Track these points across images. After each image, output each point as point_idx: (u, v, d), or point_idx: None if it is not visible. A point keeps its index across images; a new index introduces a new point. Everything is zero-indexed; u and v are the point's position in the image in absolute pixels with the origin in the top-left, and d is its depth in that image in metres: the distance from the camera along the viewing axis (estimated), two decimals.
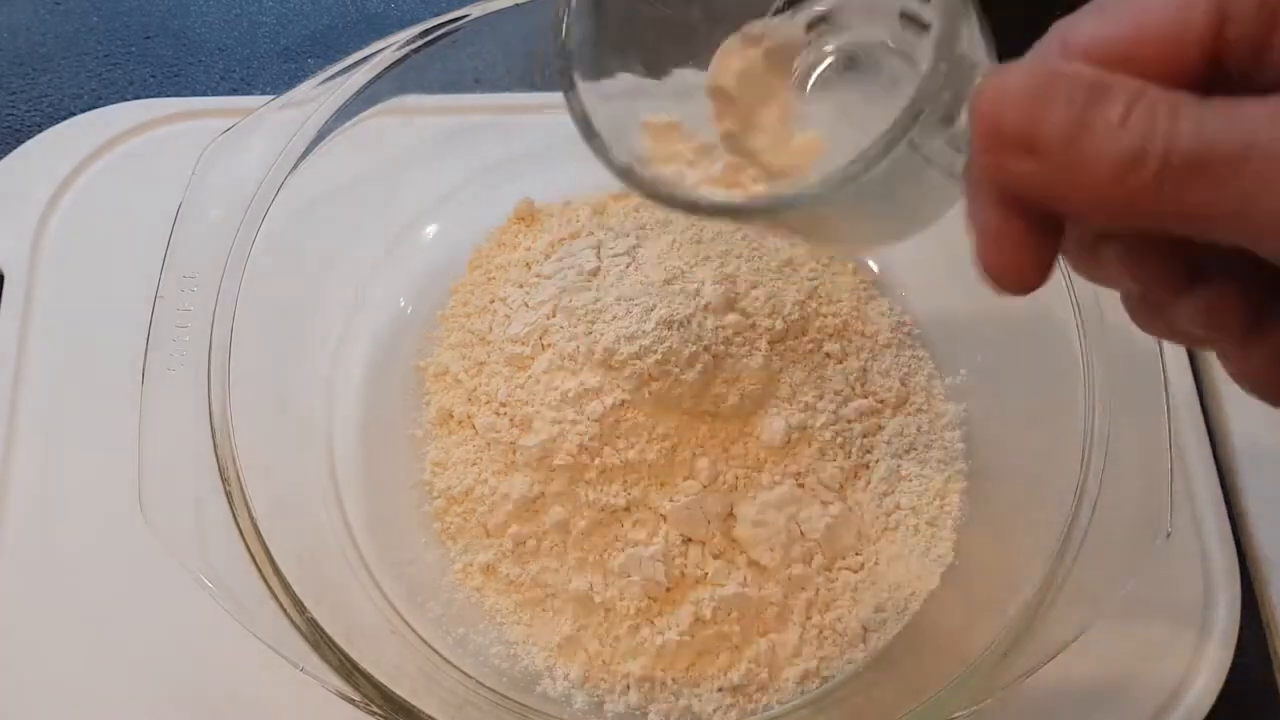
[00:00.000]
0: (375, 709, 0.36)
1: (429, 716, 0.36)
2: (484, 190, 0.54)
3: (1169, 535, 0.38)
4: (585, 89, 0.29)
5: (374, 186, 0.52)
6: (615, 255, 0.48)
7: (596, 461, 0.44)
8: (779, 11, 0.31)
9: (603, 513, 0.44)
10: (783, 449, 0.46)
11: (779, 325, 0.47)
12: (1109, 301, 0.43)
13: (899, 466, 0.47)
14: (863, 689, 0.43)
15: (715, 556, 0.44)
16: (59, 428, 0.50)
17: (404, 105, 0.49)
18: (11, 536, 0.47)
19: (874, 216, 0.30)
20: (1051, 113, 0.21)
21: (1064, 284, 0.43)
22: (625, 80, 0.31)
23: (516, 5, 0.48)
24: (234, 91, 0.61)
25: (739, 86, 0.31)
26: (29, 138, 0.57)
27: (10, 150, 0.57)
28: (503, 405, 0.46)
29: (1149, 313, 0.28)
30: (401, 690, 0.37)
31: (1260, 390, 0.26)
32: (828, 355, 0.49)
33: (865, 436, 0.47)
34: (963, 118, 0.24)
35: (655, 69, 0.31)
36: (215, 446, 0.39)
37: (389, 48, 0.47)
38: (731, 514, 0.45)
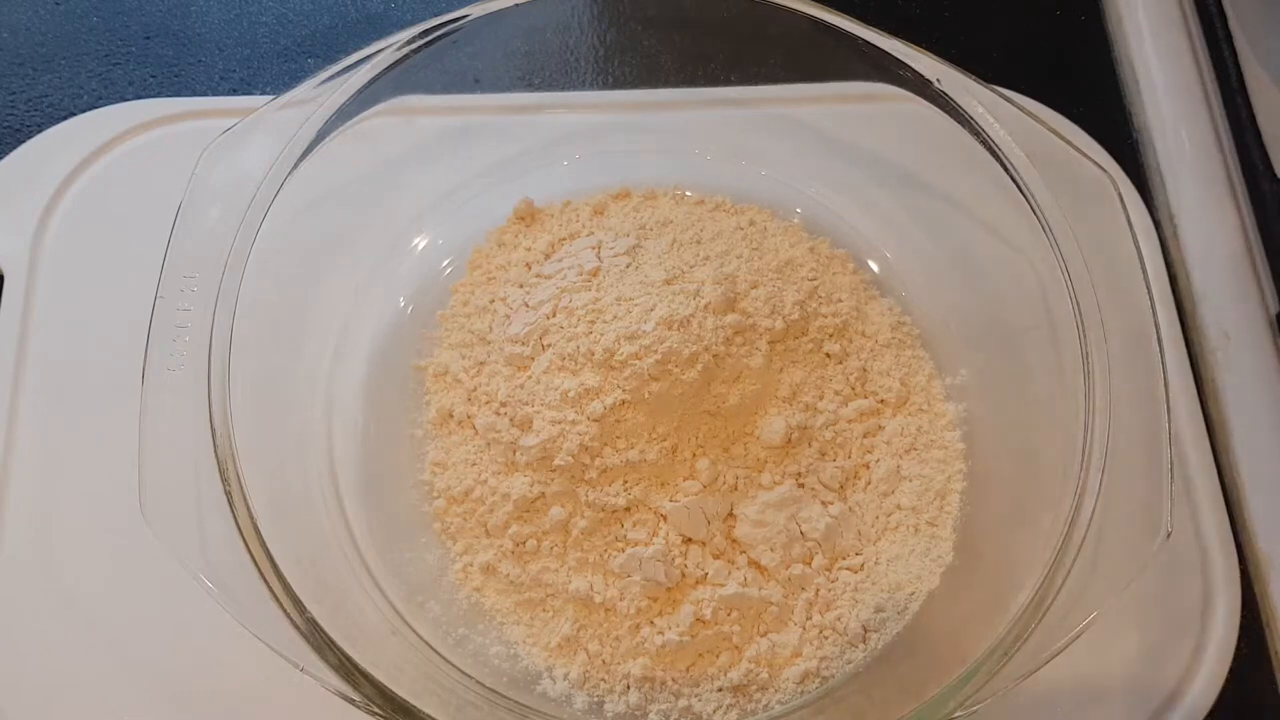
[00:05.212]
0: (375, 709, 0.36)
1: (429, 716, 0.36)
2: (484, 190, 0.55)
3: (1169, 535, 0.38)
4: None
5: (374, 186, 0.52)
6: (615, 255, 0.48)
7: (596, 461, 0.44)
8: None
9: (603, 513, 0.44)
10: (783, 449, 0.46)
11: (779, 325, 0.47)
12: (1109, 301, 0.43)
13: (899, 466, 0.47)
14: (863, 689, 0.43)
15: (715, 556, 0.44)
16: (59, 428, 0.50)
17: (404, 105, 0.49)
18: (11, 536, 0.47)
19: None
20: None
21: (1064, 284, 0.43)
22: None
23: (516, 5, 0.48)
24: (234, 91, 0.61)
25: None
26: (29, 138, 0.57)
27: (10, 150, 0.57)
28: (503, 405, 0.46)
29: None
30: (401, 690, 0.37)
31: None
32: (828, 355, 0.49)
33: (865, 436, 0.47)
34: None
35: None
36: (215, 446, 0.39)
37: (389, 48, 0.47)
38: (732, 514, 0.45)
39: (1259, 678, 0.48)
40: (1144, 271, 0.43)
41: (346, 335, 0.51)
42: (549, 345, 0.46)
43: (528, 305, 0.48)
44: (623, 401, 0.44)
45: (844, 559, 0.45)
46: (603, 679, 0.43)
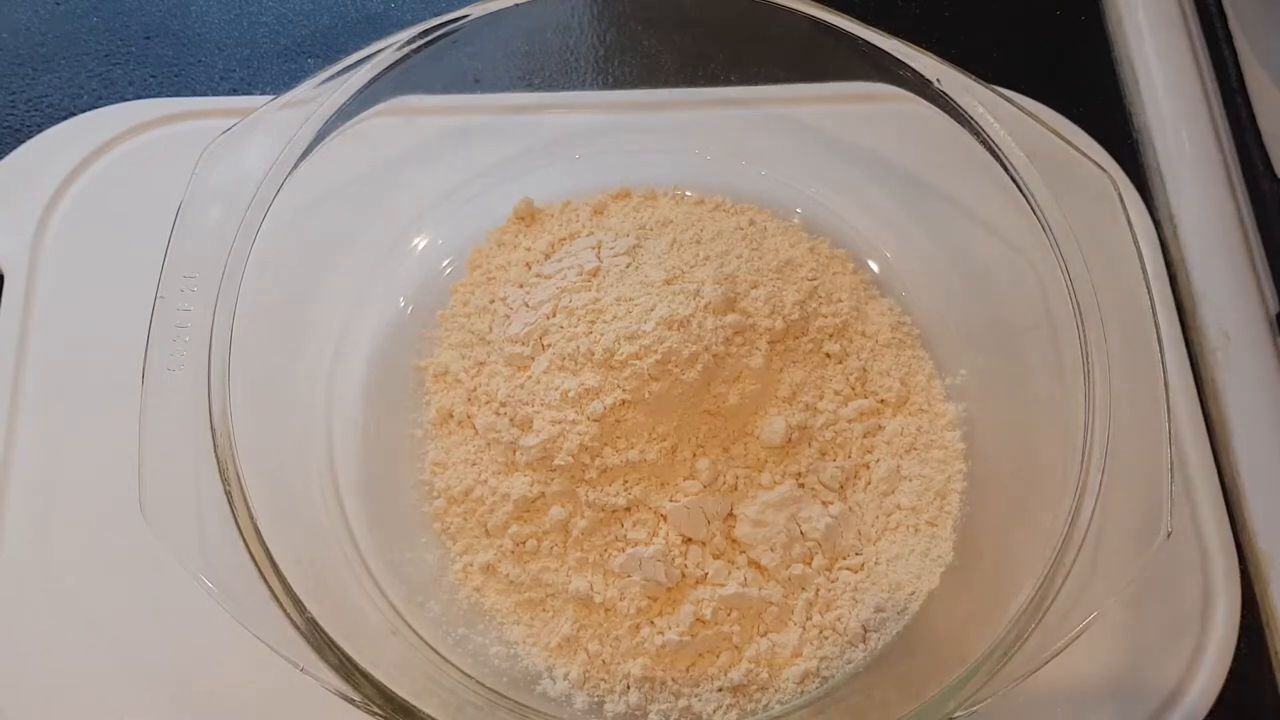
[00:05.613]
0: (375, 709, 0.36)
1: (429, 716, 0.36)
2: (484, 190, 0.55)
3: (1169, 535, 0.38)
4: None
5: (373, 187, 0.52)
6: (615, 255, 0.48)
7: (596, 461, 0.44)
8: None
9: (603, 513, 0.44)
10: (783, 449, 0.46)
11: (779, 325, 0.47)
12: (1109, 301, 0.43)
13: (899, 466, 0.47)
14: (863, 689, 0.43)
15: (715, 556, 0.44)
16: (59, 428, 0.50)
17: (404, 105, 0.49)
18: (11, 536, 0.47)
19: None
20: None
21: (1064, 284, 0.43)
22: None
23: (516, 5, 0.48)
24: (234, 91, 0.61)
25: None
26: (29, 138, 0.57)
27: (10, 150, 0.57)
28: (503, 405, 0.46)
29: None
30: (401, 690, 0.37)
31: None
32: (828, 355, 0.49)
33: (865, 436, 0.47)
34: None
35: None
36: (215, 446, 0.39)
37: (389, 48, 0.47)
38: (732, 514, 0.45)
39: (1259, 678, 0.48)
40: (1144, 271, 0.43)
41: (346, 335, 0.51)
42: (549, 345, 0.46)
43: (528, 305, 0.48)
44: (623, 401, 0.44)
45: (844, 559, 0.45)
46: (603, 679, 0.43)
